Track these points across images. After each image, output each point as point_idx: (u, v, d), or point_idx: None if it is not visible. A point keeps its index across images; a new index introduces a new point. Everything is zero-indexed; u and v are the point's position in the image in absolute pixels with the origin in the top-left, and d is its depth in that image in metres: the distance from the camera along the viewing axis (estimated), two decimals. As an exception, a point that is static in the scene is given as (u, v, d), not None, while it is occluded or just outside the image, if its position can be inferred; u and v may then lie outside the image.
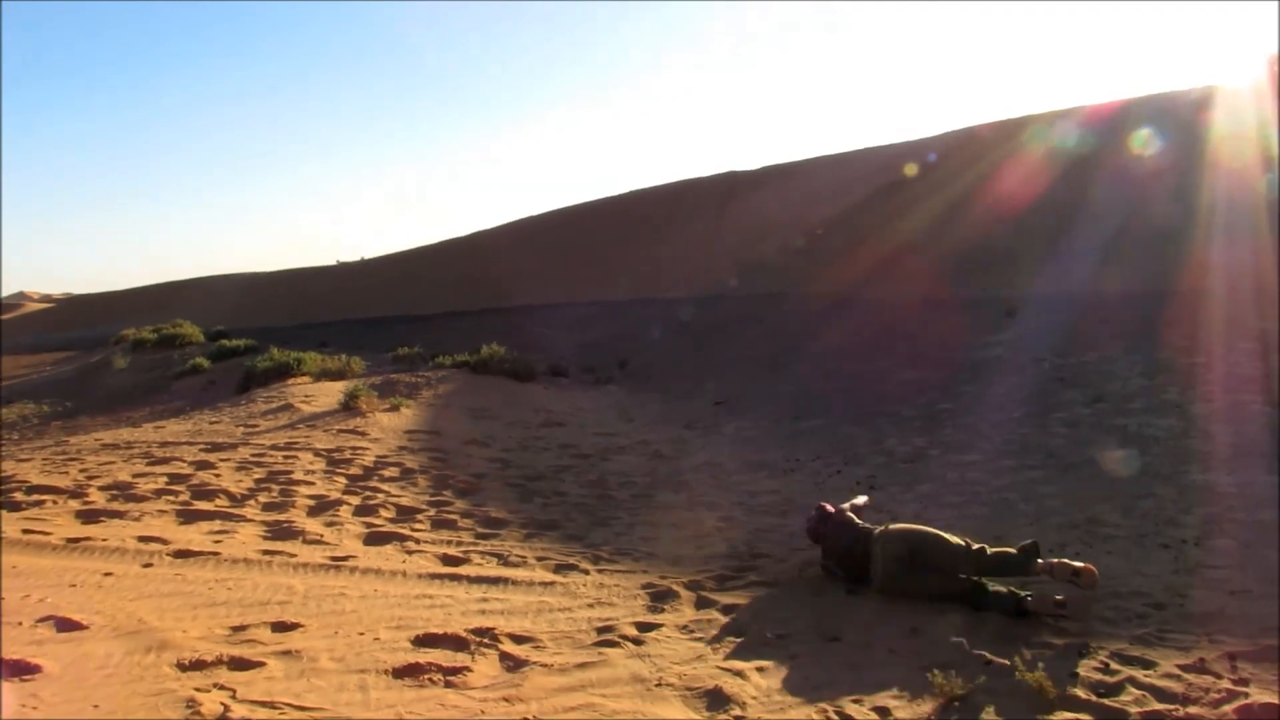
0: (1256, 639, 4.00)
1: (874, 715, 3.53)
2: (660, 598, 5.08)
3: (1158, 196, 16.01)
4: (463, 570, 5.56)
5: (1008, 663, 3.81)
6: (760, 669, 4.02)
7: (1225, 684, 3.62)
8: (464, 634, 4.35)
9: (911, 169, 20.15)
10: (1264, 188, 14.35)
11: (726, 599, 5.00)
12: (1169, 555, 5.15)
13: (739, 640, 4.40)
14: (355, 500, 7.13)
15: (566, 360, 16.53)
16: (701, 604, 4.97)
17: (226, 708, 3.53)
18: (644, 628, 4.57)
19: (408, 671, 3.92)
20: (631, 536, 6.45)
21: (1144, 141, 17.64)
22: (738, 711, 3.59)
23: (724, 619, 4.70)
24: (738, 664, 4.07)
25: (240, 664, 4.00)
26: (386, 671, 3.93)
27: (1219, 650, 3.92)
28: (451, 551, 5.97)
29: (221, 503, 7.03)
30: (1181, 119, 17.75)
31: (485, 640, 4.30)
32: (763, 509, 7.08)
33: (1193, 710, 3.42)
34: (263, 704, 3.59)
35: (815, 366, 13.34)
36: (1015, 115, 22.43)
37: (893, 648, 4.18)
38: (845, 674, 3.92)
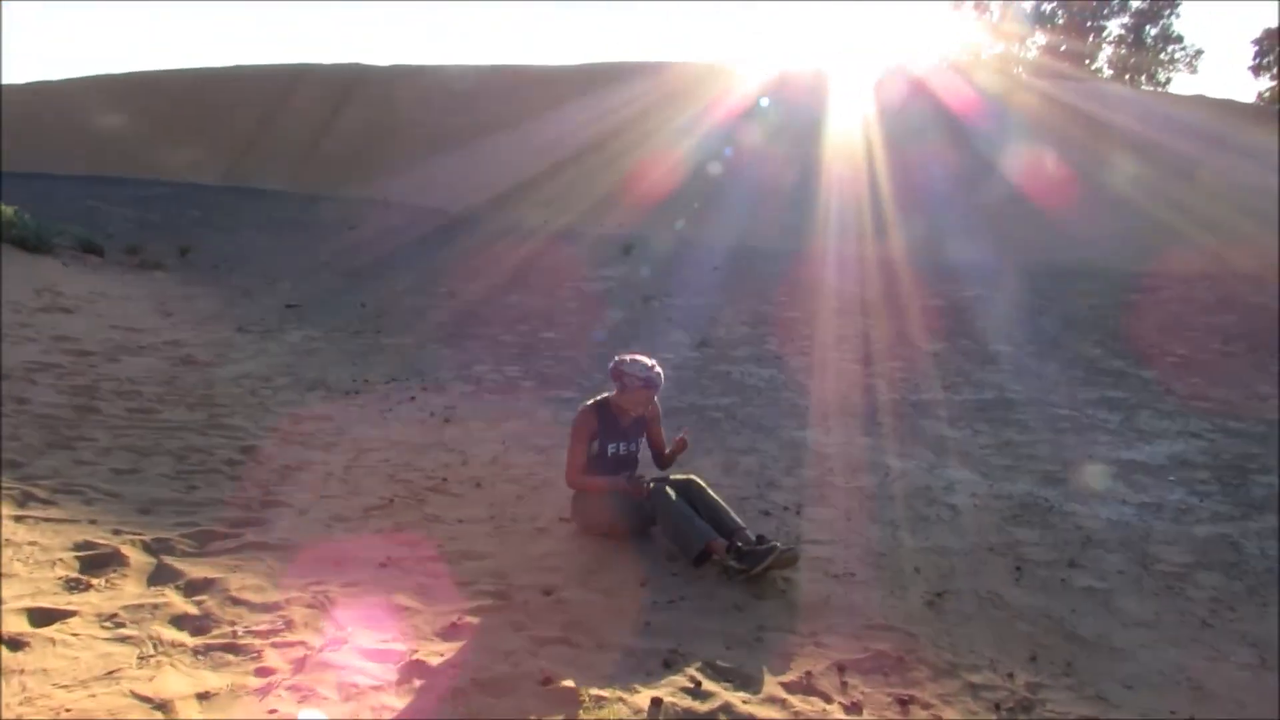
0: (864, 640, 3.25)
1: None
2: (96, 565, 3.39)
3: (791, 167, 16.87)
4: None
5: (591, 693, 2.68)
6: (205, 695, 2.54)
7: (836, 711, 2.77)
8: None
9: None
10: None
11: (200, 570, 3.43)
12: (772, 525, 4.39)
13: (194, 641, 2.87)
14: None
15: (115, 239, 13.42)
16: (158, 577, 3.36)
17: None
18: (42, 618, 2.89)
19: None
20: (100, 467, 4.59)
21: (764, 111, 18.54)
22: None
23: (183, 604, 3.14)
24: (171, 688, 2.56)
25: None
26: None
27: (826, 660, 3.09)
28: None
29: None
30: (805, 98, 18.96)
31: None
32: (300, 439, 5.48)
33: (801, 754, 2.51)
34: None
35: (411, 280, 11.83)
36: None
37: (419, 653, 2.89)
38: (339, 699, 2.56)
